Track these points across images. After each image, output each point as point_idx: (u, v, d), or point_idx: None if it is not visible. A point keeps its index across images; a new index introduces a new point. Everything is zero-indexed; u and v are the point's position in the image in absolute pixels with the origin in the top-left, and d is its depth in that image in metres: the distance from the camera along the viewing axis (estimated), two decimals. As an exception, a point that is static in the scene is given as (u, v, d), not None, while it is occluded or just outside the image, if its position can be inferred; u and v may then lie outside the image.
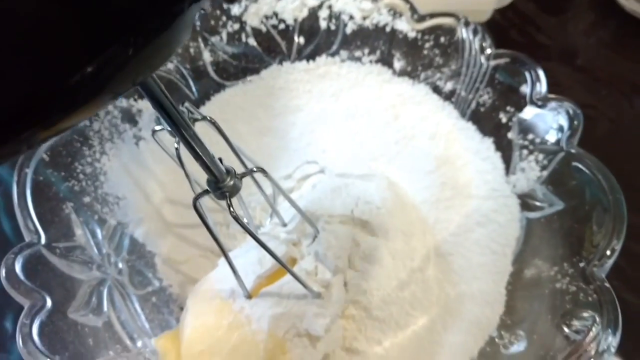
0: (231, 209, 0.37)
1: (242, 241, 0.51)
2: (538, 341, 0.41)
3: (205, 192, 0.37)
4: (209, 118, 0.41)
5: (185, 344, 0.43)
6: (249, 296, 0.43)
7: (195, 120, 0.40)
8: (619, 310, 0.38)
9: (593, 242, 0.42)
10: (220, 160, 0.37)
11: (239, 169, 0.39)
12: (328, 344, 0.45)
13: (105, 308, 0.43)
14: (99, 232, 0.47)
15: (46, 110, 0.19)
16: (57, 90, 0.18)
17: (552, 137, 0.47)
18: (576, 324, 0.39)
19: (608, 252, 0.41)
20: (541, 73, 0.48)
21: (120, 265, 0.47)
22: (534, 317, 0.43)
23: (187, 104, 0.41)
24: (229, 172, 0.37)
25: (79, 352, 0.38)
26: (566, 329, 0.39)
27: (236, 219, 0.37)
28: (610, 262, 0.40)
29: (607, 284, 0.39)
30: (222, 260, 0.46)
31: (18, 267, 0.38)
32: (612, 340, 0.37)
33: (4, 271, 0.38)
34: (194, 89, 0.56)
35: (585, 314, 0.39)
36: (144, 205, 0.52)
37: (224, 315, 0.43)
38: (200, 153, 0.34)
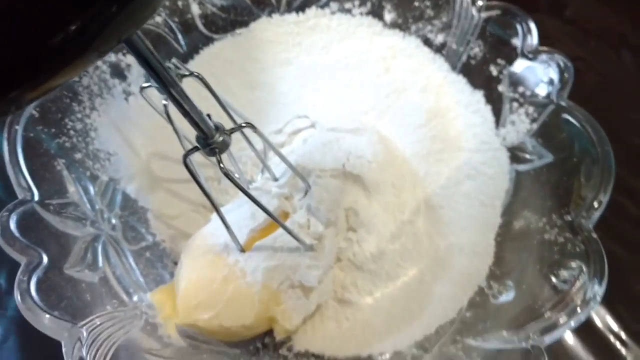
0: (221, 164, 0.37)
1: (234, 196, 0.51)
2: (526, 291, 0.42)
3: (195, 148, 0.37)
4: (196, 74, 0.41)
5: (180, 297, 0.43)
6: (242, 250, 0.44)
7: (183, 76, 0.39)
8: (605, 260, 0.39)
9: (581, 194, 0.43)
10: (209, 116, 0.37)
11: (228, 125, 0.39)
12: (321, 295, 0.46)
13: (100, 264, 0.43)
14: (91, 188, 0.47)
15: (32, 69, 0.19)
16: (43, 49, 0.18)
17: (542, 90, 0.47)
18: (564, 273, 0.41)
19: (595, 204, 0.42)
20: (532, 25, 0.48)
21: (114, 221, 0.48)
22: (522, 268, 0.44)
23: (174, 60, 0.40)
24: (217, 128, 0.37)
25: (76, 307, 0.39)
26: (554, 279, 0.41)
27: (226, 174, 0.37)
28: (597, 214, 0.41)
29: (594, 235, 0.41)
30: (215, 214, 0.47)
31: (13, 225, 0.39)
32: (598, 289, 0.38)
33: (-1, 228, 0.39)
34: (182, 42, 0.55)
35: (572, 264, 0.40)
36: (134, 161, 0.52)
37: (218, 269, 0.44)
38: (189, 110, 0.34)
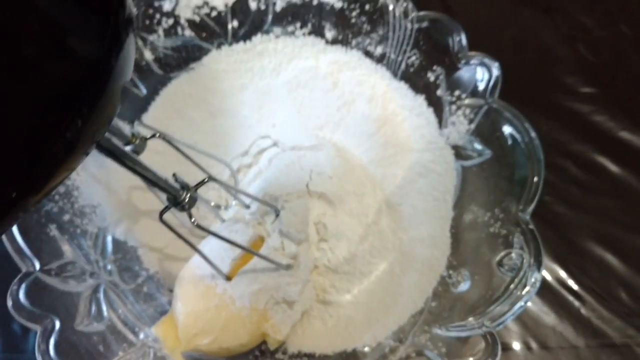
0: (192, 219, 0.42)
1: (214, 223, 0.56)
2: (479, 281, 0.48)
3: (167, 207, 0.42)
4: (157, 135, 0.45)
5: (181, 329, 0.49)
6: (228, 278, 0.49)
7: (147, 139, 0.44)
8: (541, 249, 0.45)
9: (516, 188, 0.48)
10: (175, 177, 0.42)
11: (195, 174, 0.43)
12: (304, 303, 0.52)
13: (105, 312, 0.48)
14: (83, 242, 0.51)
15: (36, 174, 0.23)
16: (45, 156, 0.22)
17: (475, 93, 0.52)
18: (508, 263, 0.46)
19: (530, 198, 0.47)
20: (461, 33, 0.52)
21: (109, 266, 0.53)
22: (474, 259, 0.50)
23: (136, 124, 0.44)
24: (183, 187, 0.41)
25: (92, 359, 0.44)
26: (500, 269, 0.47)
27: (199, 226, 0.42)
28: (531, 207, 0.47)
29: (531, 226, 0.46)
30: (201, 245, 0.52)
31: (23, 298, 0.44)
32: (537, 276, 0.44)
33: (10, 303, 0.43)
34: (141, 87, 0.58)
35: (514, 255, 0.46)
36: (118, 206, 0.56)
37: (210, 299, 0.49)
38: (154, 180, 0.38)
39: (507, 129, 0.50)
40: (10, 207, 0.22)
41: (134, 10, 0.53)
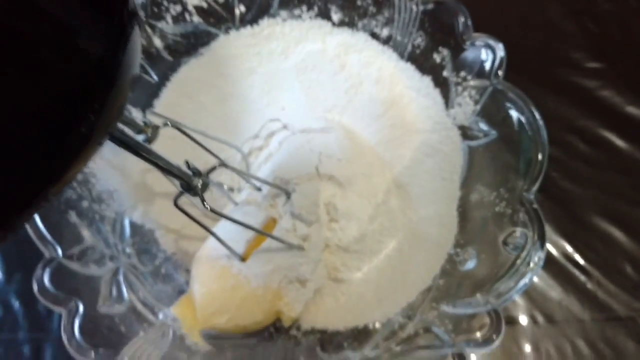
0: (205, 203, 0.43)
1: (227, 205, 0.58)
2: (485, 259, 0.50)
3: (181, 193, 0.43)
4: (168, 123, 0.47)
5: (199, 308, 0.51)
6: (242, 259, 0.51)
7: (159, 127, 0.45)
8: (545, 228, 0.46)
9: (521, 168, 0.49)
10: (187, 163, 0.43)
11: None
12: (316, 282, 0.54)
13: (125, 294, 0.50)
14: (102, 227, 0.53)
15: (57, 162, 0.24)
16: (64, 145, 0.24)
17: (481, 74, 0.53)
18: (513, 242, 0.48)
19: (534, 178, 0.48)
20: (466, 13, 0.52)
21: (128, 250, 0.54)
22: (481, 237, 0.51)
23: (148, 114, 0.46)
24: (195, 174, 0.43)
25: (115, 339, 0.47)
26: (506, 247, 0.48)
27: (213, 210, 0.44)
28: (536, 187, 0.48)
29: (535, 206, 0.47)
30: (215, 228, 0.53)
31: (47, 282, 0.46)
32: (540, 254, 0.45)
33: (36, 287, 0.46)
34: (152, 74, 0.59)
35: (518, 233, 0.47)
36: (133, 190, 0.57)
37: (226, 279, 0.51)
38: (167, 167, 0.40)
39: (511, 110, 0.50)
40: (33, 196, 0.24)
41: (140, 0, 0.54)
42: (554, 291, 0.59)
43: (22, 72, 0.21)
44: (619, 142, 0.65)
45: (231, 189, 0.58)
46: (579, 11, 0.72)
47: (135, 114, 0.57)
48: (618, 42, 0.71)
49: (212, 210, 0.44)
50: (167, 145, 0.47)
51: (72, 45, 0.23)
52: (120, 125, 0.36)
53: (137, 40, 0.28)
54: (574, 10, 0.72)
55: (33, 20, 0.21)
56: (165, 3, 0.57)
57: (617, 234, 0.61)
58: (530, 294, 0.58)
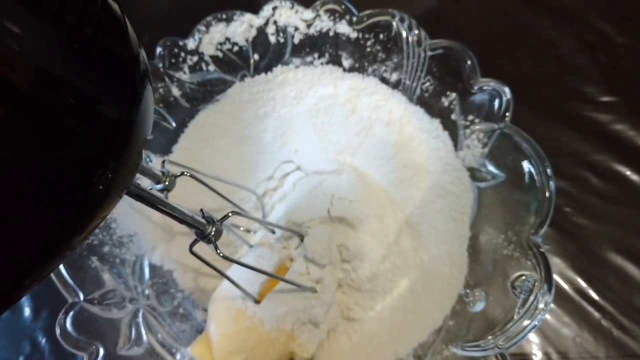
0: (218, 251, 0.45)
1: (243, 247, 0.59)
2: (494, 301, 0.50)
3: (195, 241, 0.45)
4: (185, 173, 0.49)
5: (215, 349, 0.52)
6: (257, 301, 0.52)
7: (176, 176, 0.47)
8: (552, 271, 0.47)
9: (530, 211, 0.50)
10: (202, 212, 0.45)
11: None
12: (329, 323, 0.55)
13: (144, 336, 0.52)
14: (122, 271, 0.55)
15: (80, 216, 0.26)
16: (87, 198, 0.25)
17: (488, 117, 0.54)
18: (521, 285, 0.48)
19: (541, 221, 0.48)
20: (472, 58, 0.54)
21: (147, 291, 0.56)
22: (489, 279, 0.52)
23: (166, 163, 0.48)
24: (209, 222, 0.44)
25: (135, 383, 0.49)
26: (514, 291, 0.48)
27: (226, 257, 0.46)
28: (543, 230, 0.48)
29: (542, 249, 0.48)
30: (231, 269, 0.55)
31: (70, 327, 0.48)
32: (548, 298, 0.46)
33: (58, 331, 0.48)
34: (170, 120, 0.62)
35: (527, 277, 0.48)
36: (152, 233, 0.60)
37: (241, 321, 0.52)
38: (181, 217, 0.41)
39: (518, 154, 0.51)
40: (59, 247, 0.26)
41: (160, 51, 0.57)
42: (568, 328, 0.58)
43: (44, 139, 0.23)
44: (634, 177, 0.65)
45: (247, 231, 0.60)
46: (591, 45, 0.73)
47: (155, 160, 0.59)
48: (631, 76, 0.71)
49: (225, 257, 0.46)
50: (185, 188, 0.49)
51: (90, 112, 0.25)
52: (139, 176, 0.37)
53: (150, 98, 0.30)
54: (586, 44, 0.73)
55: (59, 91, 0.23)
56: (182, 54, 0.60)
57: (632, 269, 0.60)
58: (544, 330, 0.58)
